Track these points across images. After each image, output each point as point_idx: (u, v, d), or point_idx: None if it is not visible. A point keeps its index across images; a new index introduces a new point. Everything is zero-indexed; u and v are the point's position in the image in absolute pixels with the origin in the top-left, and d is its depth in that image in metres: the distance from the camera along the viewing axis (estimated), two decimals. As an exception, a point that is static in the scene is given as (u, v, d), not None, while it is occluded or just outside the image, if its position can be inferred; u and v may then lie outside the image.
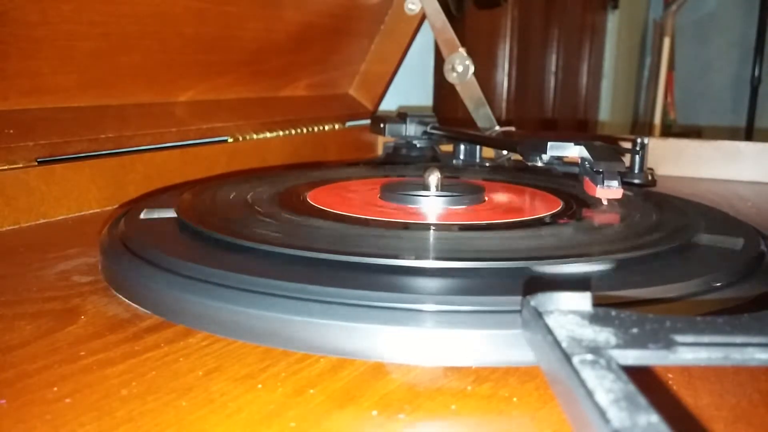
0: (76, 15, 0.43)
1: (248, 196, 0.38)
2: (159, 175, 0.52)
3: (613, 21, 2.15)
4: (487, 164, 0.58)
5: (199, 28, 0.53)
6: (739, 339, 0.17)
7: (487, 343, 0.21)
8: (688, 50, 2.36)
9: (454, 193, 0.37)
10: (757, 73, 2.02)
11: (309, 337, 0.22)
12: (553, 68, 1.81)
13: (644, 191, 0.43)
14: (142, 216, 0.34)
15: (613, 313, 0.18)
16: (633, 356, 0.16)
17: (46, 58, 0.44)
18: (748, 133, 2.01)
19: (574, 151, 0.40)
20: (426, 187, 0.36)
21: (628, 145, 0.49)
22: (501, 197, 0.39)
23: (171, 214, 0.34)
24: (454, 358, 0.21)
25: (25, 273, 0.32)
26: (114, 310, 0.27)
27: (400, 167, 0.53)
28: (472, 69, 0.63)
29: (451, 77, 0.64)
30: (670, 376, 0.22)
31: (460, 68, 0.63)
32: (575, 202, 0.38)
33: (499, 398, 0.20)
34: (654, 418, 0.13)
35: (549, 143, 0.41)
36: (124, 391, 0.20)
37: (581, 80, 2.00)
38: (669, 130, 2.23)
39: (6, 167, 0.42)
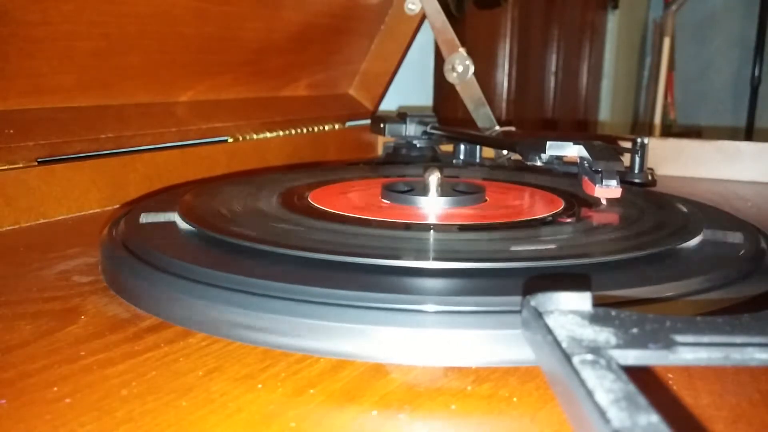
0: (76, 15, 0.43)
1: (248, 197, 0.38)
2: (159, 175, 0.52)
3: (613, 21, 2.15)
4: (487, 164, 0.58)
5: (199, 28, 0.53)
6: (739, 339, 0.17)
7: (487, 343, 0.21)
8: (688, 50, 2.36)
9: (455, 194, 0.37)
10: (757, 73, 2.02)
11: (309, 337, 0.22)
12: (553, 68, 1.81)
13: (644, 191, 0.43)
14: (142, 220, 0.33)
15: (613, 313, 0.18)
16: (633, 356, 0.16)
17: (46, 58, 0.44)
18: (748, 133, 2.01)
19: (573, 151, 0.40)
20: (426, 188, 0.36)
21: (628, 145, 0.49)
22: (501, 197, 0.39)
23: (170, 218, 0.33)
24: (454, 358, 0.21)
25: (25, 273, 0.32)
26: (114, 310, 0.27)
27: (400, 167, 0.53)
28: (472, 69, 0.63)
29: (451, 77, 0.64)
30: (670, 376, 0.22)
31: (460, 68, 0.63)
32: (576, 202, 0.38)
33: (499, 398, 0.20)
34: (654, 418, 0.13)
35: (548, 143, 0.41)
36: (124, 391, 0.20)
37: (581, 80, 2.00)
38: (669, 130, 2.23)
39: (6, 167, 0.42)
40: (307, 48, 0.66)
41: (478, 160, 0.58)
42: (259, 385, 0.21)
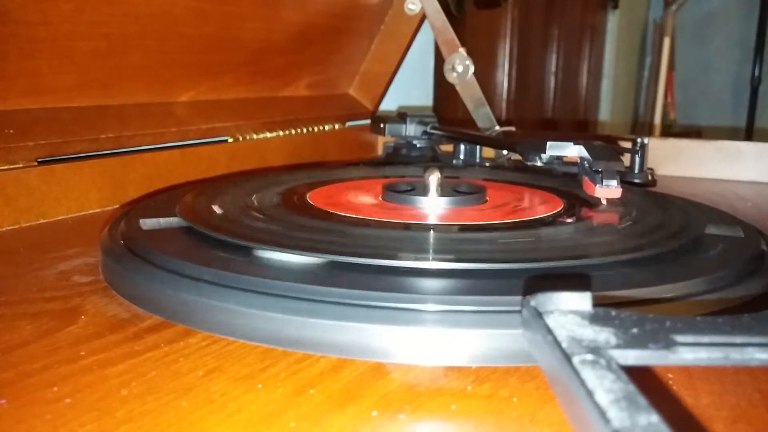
0: (76, 15, 0.43)
1: (248, 197, 0.38)
2: (159, 175, 0.52)
3: (613, 21, 2.15)
4: (487, 164, 0.58)
5: (199, 28, 0.53)
6: (739, 339, 0.17)
7: (487, 343, 0.21)
8: (688, 50, 2.36)
9: (455, 194, 0.37)
10: (757, 73, 2.02)
11: (309, 337, 0.22)
12: (553, 68, 1.81)
13: (644, 191, 0.43)
14: (143, 227, 0.32)
15: (613, 313, 0.18)
16: (633, 356, 0.16)
17: (46, 58, 0.44)
18: (748, 133, 2.01)
19: (573, 151, 0.40)
20: (426, 188, 0.36)
21: (628, 145, 0.49)
22: (501, 197, 0.39)
23: (172, 223, 0.32)
24: (454, 358, 0.21)
25: (25, 273, 0.32)
26: (114, 310, 0.27)
27: (400, 167, 0.53)
28: (472, 69, 0.63)
29: (451, 77, 0.64)
30: (670, 376, 0.22)
31: (460, 68, 0.63)
32: (576, 202, 0.38)
33: (499, 398, 0.20)
34: (654, 418, 0.13)
35: (548, 143, 0.41)
36: (124, 391, 0.20)
37: (581, 80, 2.00)
38: (669, 130, 2.23)
39: (6, 167, 0.42)
40: (307, 48, 0.66)
41: (478, 160, 0.58)
42: (259, 385, 0.21)
